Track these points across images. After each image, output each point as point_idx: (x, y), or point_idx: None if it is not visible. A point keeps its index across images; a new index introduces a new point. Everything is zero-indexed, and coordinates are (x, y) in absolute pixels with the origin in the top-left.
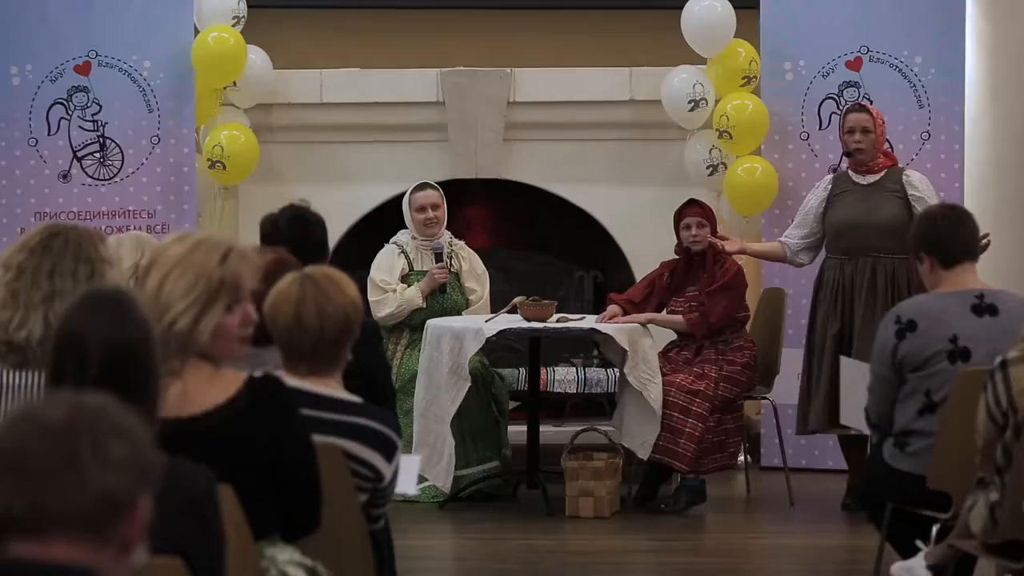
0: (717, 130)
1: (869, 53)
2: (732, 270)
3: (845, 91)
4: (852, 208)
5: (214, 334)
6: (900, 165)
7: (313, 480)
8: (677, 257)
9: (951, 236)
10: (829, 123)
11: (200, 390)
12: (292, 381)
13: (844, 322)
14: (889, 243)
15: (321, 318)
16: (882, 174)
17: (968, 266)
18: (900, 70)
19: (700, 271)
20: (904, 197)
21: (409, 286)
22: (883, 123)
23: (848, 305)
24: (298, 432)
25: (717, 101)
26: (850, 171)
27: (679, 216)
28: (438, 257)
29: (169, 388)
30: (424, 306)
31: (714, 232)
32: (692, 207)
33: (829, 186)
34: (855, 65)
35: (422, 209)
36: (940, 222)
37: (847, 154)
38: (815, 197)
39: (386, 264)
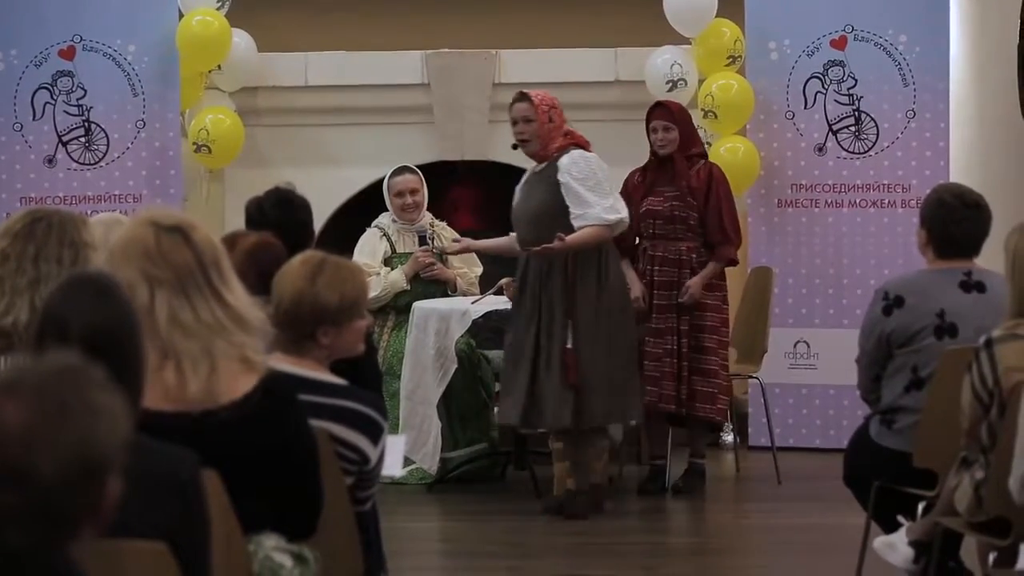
0: (702, 110)
1: (854, 32)
2: (708, 173)
3: (830, 70)
4: (517, 200)
5: None
6: (575, 147)
7: (315, 488)
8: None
9: (953, 232)
10: (814, 102)
11: (234, 382)
12: (278, 364)
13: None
14: (536, 235)
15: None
16: (549, 162)
17: (963, 260)
18: (885, 49)
19: (671, 172)
20: (558, 183)
21: (392, 269)
22: (552, 107)
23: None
24: (306, 439)
25: (701, 81)
26: None
27: (647, 119)
28: (422, 240)
29: (220, 381)
30: (408, 288)
31: (685, 133)
32: (658, 109)
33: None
34: (840, 44)
35: (400, 194)
36: (949, 212)
37: (514, 146)
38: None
39: (368, 247)
